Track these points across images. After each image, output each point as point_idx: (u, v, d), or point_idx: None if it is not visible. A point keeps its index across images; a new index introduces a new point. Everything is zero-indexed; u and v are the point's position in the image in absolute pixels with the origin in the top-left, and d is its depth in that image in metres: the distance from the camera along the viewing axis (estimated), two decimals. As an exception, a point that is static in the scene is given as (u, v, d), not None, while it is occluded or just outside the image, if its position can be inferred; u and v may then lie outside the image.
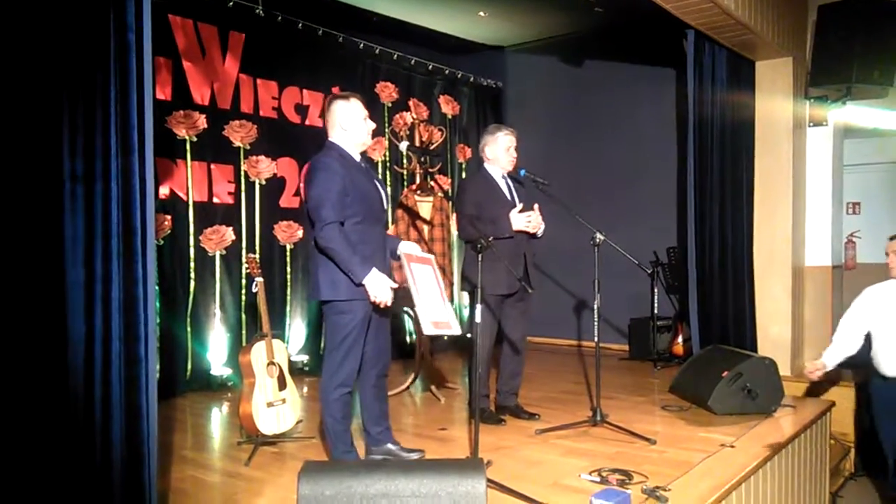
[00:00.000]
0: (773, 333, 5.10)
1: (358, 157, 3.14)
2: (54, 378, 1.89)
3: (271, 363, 3.58)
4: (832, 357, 3.98)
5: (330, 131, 3.12)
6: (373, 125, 3.16)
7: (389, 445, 3.26)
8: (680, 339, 5.88)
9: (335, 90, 5.74)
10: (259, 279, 3.61)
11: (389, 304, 3.00)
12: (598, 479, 3.00)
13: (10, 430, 1.83)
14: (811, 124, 5.36)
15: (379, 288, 2.95)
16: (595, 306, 3.87)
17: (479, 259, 3.03)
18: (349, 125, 3.08)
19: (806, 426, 3.94)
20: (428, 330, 2.92)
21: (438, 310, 3.00)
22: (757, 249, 5.15)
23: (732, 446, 3.48)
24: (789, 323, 5.08)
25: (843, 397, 4.76)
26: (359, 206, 3.01)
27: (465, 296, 6.15)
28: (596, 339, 3.92)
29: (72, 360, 1.89)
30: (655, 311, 5.85)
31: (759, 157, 5.16)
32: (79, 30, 1.92)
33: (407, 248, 3.17)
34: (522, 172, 3.98)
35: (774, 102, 5.13)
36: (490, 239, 3.12)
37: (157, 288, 4.62)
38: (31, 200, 1.86)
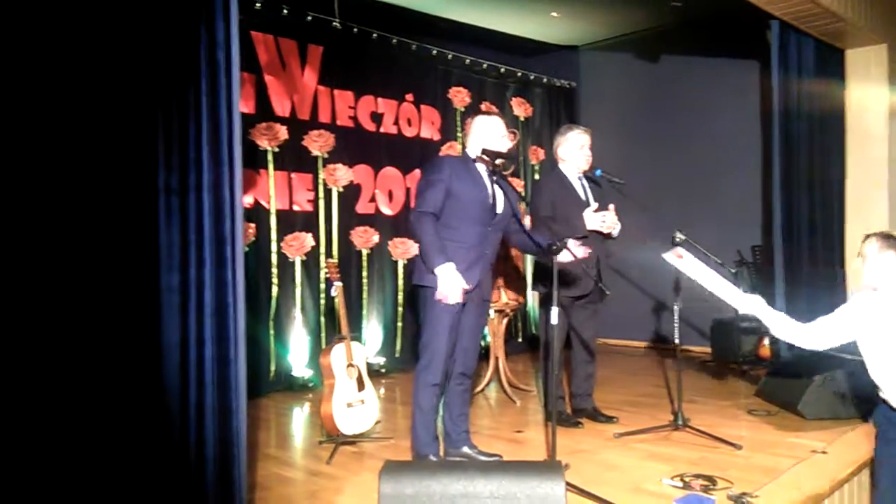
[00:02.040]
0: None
1: (483, 169, 3.26)
2: (151, 378, 2.01)
3: (350, 365, 3.67)
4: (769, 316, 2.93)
5: (467, 143, 3.34)
6: (509, 144, 3.33)
7: (466, 449, 3.31)
8: (766, 342, 5.64)
9: (409, 97, 5.86)
10: (338, 283, 3.72)
11: (456, 301, 3.06)
12: (680, 484, 2.93)
13: (111, 428, 1.96)
14: (908, 113, 5.05)
15: (448, 283, 3.04)
16: (676, 307, 3.78)
17: (554, 261, 3.02)
18: (487, 140, 3.25)
19: (906, 434, 3.71)
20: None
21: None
22: (849, 245, 4.89)
23: (825, 452, 3.33)
24: (886, 324, 4.79)
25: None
26: (463, 208, 3.15)
27: (536, 297, 6.12)
28: (677, 339, 3.83)
29: (167, 361, 2.02)
30: (740, 312, 5.63)
31: (851, 150, 4.92)
32: (172, 48, 2.05)
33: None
34: (598, 172, 3.94)
35: (867, 92, 4.87)
36: (564, 241, 3.11)
37: (242, 292, 4.84)
38: (129, 212, 1.99)
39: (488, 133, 3.26)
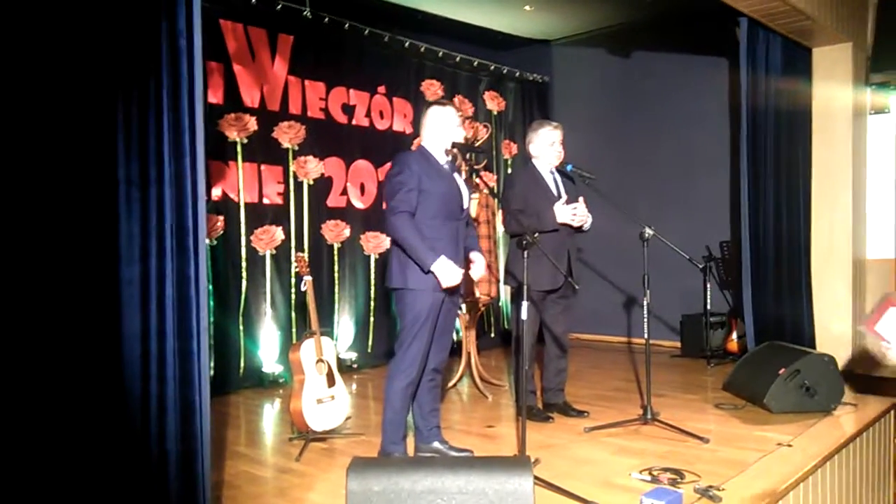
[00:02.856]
0: (832, 329, 4.91)
1: (443, 160, 3.24)
2: (111, 372, 1.97)
3: (320, 360, 3.63)
4: None
5: (422, 135, 3.27)
6: (464, 133, 3.30)
7: (437, 444, 3.30)
8: (734, 336, 5.74)
9: (381, 90, 5.81)
10: (308, 278, 3.67)
11: (456, 283, 3.11)
12: (648, 478, 2.95)
13: (69, 423, 1.91)
14: (872, 112, 5.15)
15: (447, 274, 3.05)
16: (645, 302, 3.81)
17: (525, 255, 3.01)
18: (442, 130, 3.21)
19: (868, 425, 3.79)
20: None
21: None
22: (815, 242, 4.97)
23: (790, 445, 3.38)
24: (850, 318, 4.89)
25: (909, 396, 4.56)
26: (434, 205, 3.11)
27: (508, 291, 6.14)
28: (646, 335, 3.85)
29: (127, 355, 1.97)
30: (708, 307, 5.71)
31: (817, 147, 4.98)
32: (132, 37, 1.99)
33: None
34: (569, 167, 3.94)
35: (833, 90, 4.94)
36: (536, 235, 3.10)
37: (210, 287, 4.76)
38: (88, 203, 1.93)
39: (444, 123, 3.20)
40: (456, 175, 3.27)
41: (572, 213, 3.78)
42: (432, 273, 3.04)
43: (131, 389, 1.98)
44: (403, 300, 3.13)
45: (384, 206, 3.15)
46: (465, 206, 3.27)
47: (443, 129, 3.20)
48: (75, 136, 1.92)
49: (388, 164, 3.38)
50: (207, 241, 4.72)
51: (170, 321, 2.04)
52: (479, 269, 3.37)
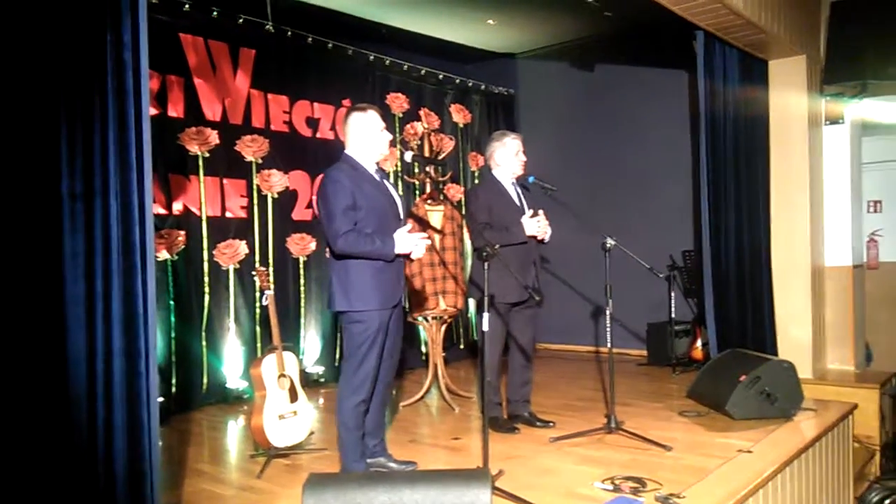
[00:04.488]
0: (793, 335, 5.00)
1: (372, 169, 3.18)
2: (56, 393, 1.91)
3: (282, 375, 3.59)
4: None
5: (346, 143, 3.18)
6: (389, 136, 3.20)
7: (382, 459, 3.29)
8: (699, 344, 5.80)
9: (346, 103, 5.78)
10: (269, 292, 3.63)
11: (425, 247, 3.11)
12: (611, 487, 2.96)
13: (11, 446, 1.85)
14: (827, 122, 5.27)
15: (409, 244, 3.03)
16: (608, 312, 3.83)
17: (486, 267, 3.01)
18: (365, 137, 3.12)
19: (827, 429, 3.85)
20: None
21: None
22: (775, 250, 5.07)
23: (750, 452, 3.41)
24: (809, 325, 4.98)
25: (867, 399, 4.65)
26: (370, 218, 3.05)
27: (473, 303, 6.13)
28: (609, 344, 3.88)
29: (73, 376, 1.92)
30: (673, 316, 5.77)
31: (775, 156, 5.09)
32: (75, 49, 1.95)
33: None
34: (531, 179, 3.97)
35: (789, 101, 5.05)
36: (496, 246, 3.11)
37: (171, 303, 4.68)
38: (30, 219, 1.88)
39: (366, 129, 3.11)
40: (387, 183, 3.23)
41: (537, 225, 3.81)
42: (377, 292, 3.01)
43: (77, 411, 1.92)
44: (349, 322, 3.07)
45: (327, 230, 3.00)
46: (402, 217, 3.23)
47: (366, 135, 3.12)
48: (14, 149, 1.87)
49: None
50: (168, 255, 4.66)
51: (117, 340, 1.98)
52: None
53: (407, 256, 3.12)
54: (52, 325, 1.92)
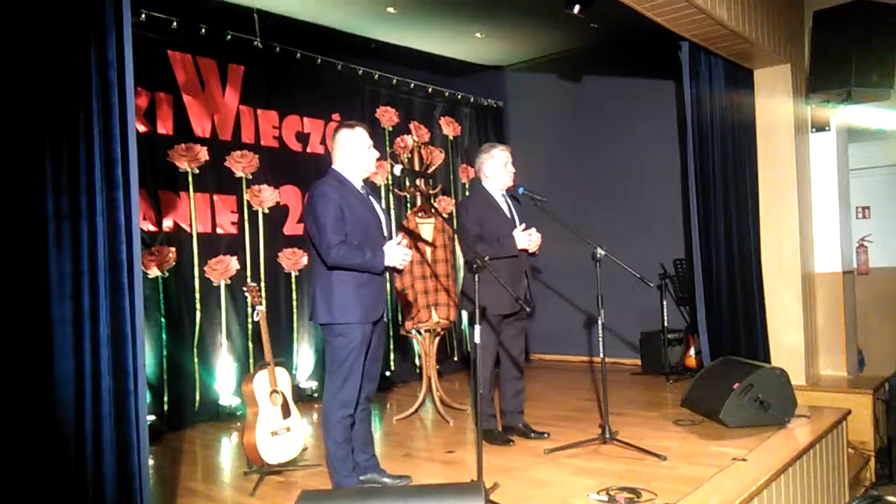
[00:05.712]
0: (785, 342, 5.02)
1: (359, 184, 3.20)
2: (43, 413, 1.89)
3: (274, 391, 3.57)
4: None
5: (334, 158, 3.20)
6: (376, 154, 3.22)
7: (375, 474, 3.27)
8: (692, 352, 5.80)
9: (336, 117, 5.80)
10: (260, 307, 3.61)
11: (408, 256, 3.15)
12: (605, 497, 2.95)
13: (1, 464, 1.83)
14: (814, 129, 5.32)
15: (398, 256, 3.07)
16: (600, 322, 3.84)
17: (476, 279, 3.02)
18: (352, 154, 3.14)
19: (821, 436, 3.85)
20: None
21: None
22: (765, 257, 5.09)
23: (744, 460, 3.41)
24: (801, 331, 4.99)
25: (861, 405, 4.66)
26: (355, 232, 3.06)
27: (465, 315, 6.13)
28: (602, 354, 3.87)
29: (60, 396, 1.90)
30: (666, 324, 5.78)
31: (763, 164, 5.12)
32: (60, 68, 1.95)
33: None
34: (521, 190, 3.98)
35: (775, 109, 5.10)
36: (486, 259, 3.11)
37: (163, 320, 4.66)
38: (15, 239, 1.87)
39: (353, 146, 3.14)
40: (373, 199, 3.25)
41: (529, 237, 3.82)
42: (359, 305, 3.01)
43: (65, 432, 1.91)
44: (332, 334, 3.07)
45: (318, 242, 3.00)
46: (386, 233, 3.24)
47: (354, 152, 3.14)
48: (-1, 169, 1.87)
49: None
50: (159, 272, 4.64)
51: (105, 360, 1.97)
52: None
53: (395, 269, 3.14)
54: (39, 346, 1.90)
